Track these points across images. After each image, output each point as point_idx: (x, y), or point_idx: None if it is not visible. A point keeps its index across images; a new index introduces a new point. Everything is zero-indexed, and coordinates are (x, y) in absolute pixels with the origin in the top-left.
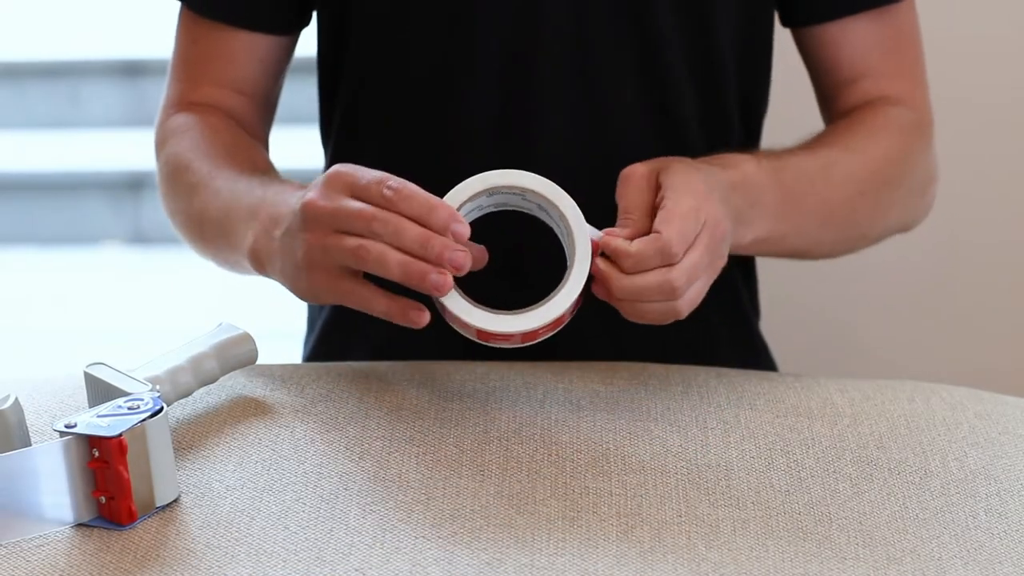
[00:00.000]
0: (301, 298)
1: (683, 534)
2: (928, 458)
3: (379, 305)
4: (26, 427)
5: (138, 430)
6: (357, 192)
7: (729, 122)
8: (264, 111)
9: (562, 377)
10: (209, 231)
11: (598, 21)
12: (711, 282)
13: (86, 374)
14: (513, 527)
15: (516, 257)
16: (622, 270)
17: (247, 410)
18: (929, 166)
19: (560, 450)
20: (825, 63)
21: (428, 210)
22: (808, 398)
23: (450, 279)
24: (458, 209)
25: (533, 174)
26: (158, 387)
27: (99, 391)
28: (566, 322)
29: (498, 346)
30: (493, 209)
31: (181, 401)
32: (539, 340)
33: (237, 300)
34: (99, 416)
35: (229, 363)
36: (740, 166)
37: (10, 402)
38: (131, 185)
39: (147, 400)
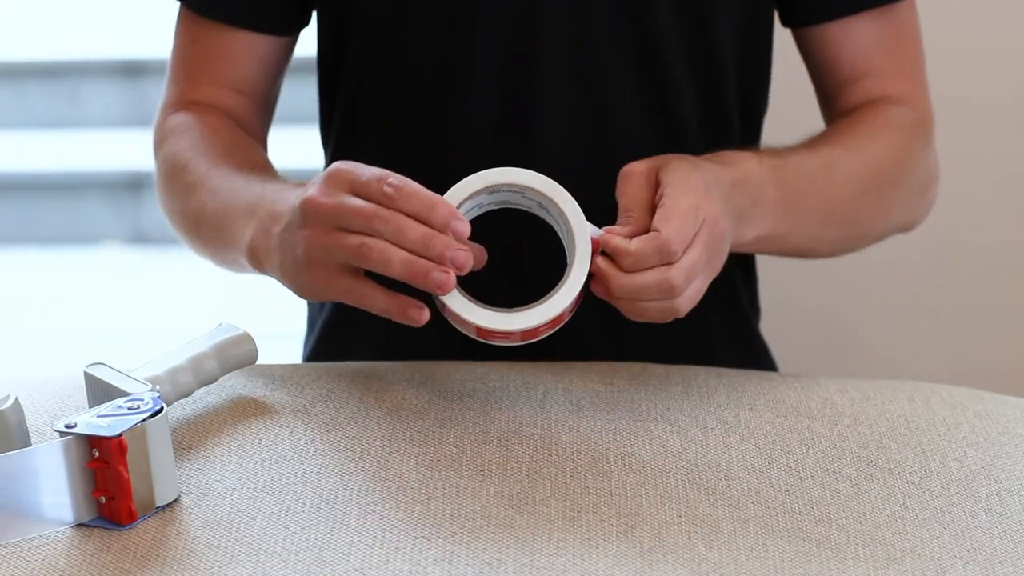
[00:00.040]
0: (300, 295)
1: (683, 534)
2: (928, 458)
3: (379, 302)
4: (26, 427)
5: (138, 430)
6: (357, 189)
7: (729, 122)
8: (263, 111)
9: (562, 377)
10: (207, 229)
11: (598, 21)
12: (711, 280)
13: (86, 374)
14: (513, 527)
15: (516, 255)
16: (621, 268)
17: (247, 410)
18: (930, 165)
19: (560, 450)
20: (826, 63)
21: (429, 208)
22: (808, 398)
23: (453, 277)
24: (458, 207)
25: (533, 172)
26: (158, 387)
27: (99, 391)
28: (566, 320)
29: (498, 344)
30: (493, 207)
31: (181, 401)
32: (539, 338)
33: (237, 300)
34: (99, 416)
35: (229, 363)
36: (741, 163)
37: (10, 402)
38: (131, 185)
39: (147, 400)
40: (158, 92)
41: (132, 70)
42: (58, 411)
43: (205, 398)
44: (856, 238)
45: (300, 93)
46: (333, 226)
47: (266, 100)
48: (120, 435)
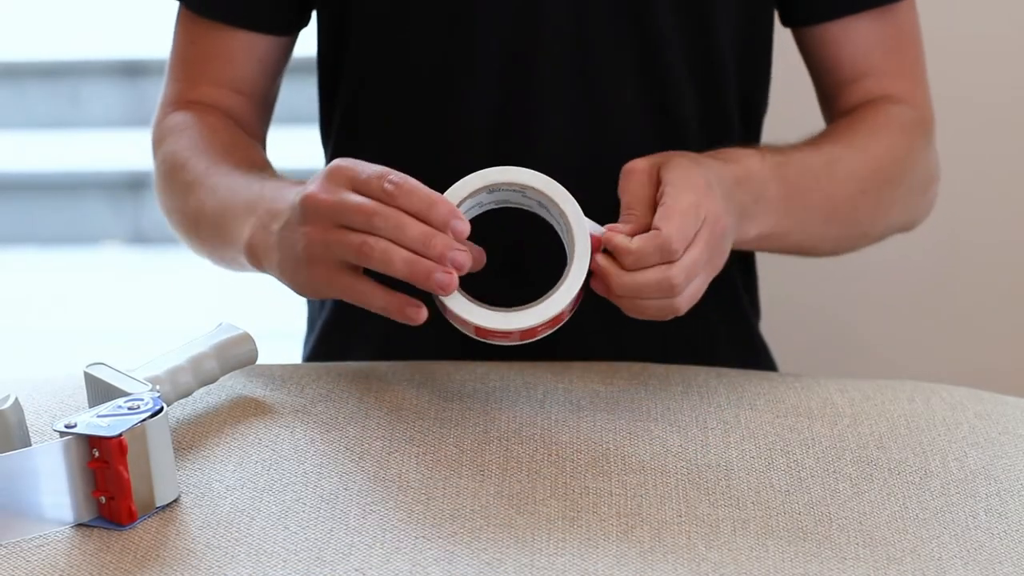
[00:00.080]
0: (298, 293)
1: (683, 534)
2: (928, 458)
3: (377, 300)
4: (26, 427)
5: (138, 430)
6: (358, 186)
7: (729, 122)
8: (262, 110)
9: (562, 377)
10: (205, 228)
11: (598, 21)
12: (711, 278)
13: (86, 374)
14: (513, 527)
15: (516, 254)
16: (622, 267)
17: (247, 410)
18: (930, 164)
19: (560, 450)
20: (826, 62)
21: (429, 206)
22: (808, 398)
23: (455, 278)
24: (458, 206)
25: (533, 171)
26: (158, 387)
27: (99, 391)
28: (566, 319)
29: (497, 343)
30: (493, 206)
31: (181, 401)
32: (539, 337)
33: (237, 300)
34: (99, 416)
35: (229, 363)
36: (744, 160)
37: (10, 402)
38: (131, 185)
39: (147, 400)
40: (158, 92)
41: (132, 70)
42: (58, 411)
43: (205, 398)
44: (857, 237)
45: (300, 93)
46: (333, 223)
47: (265, 100)
48: (120, 435)
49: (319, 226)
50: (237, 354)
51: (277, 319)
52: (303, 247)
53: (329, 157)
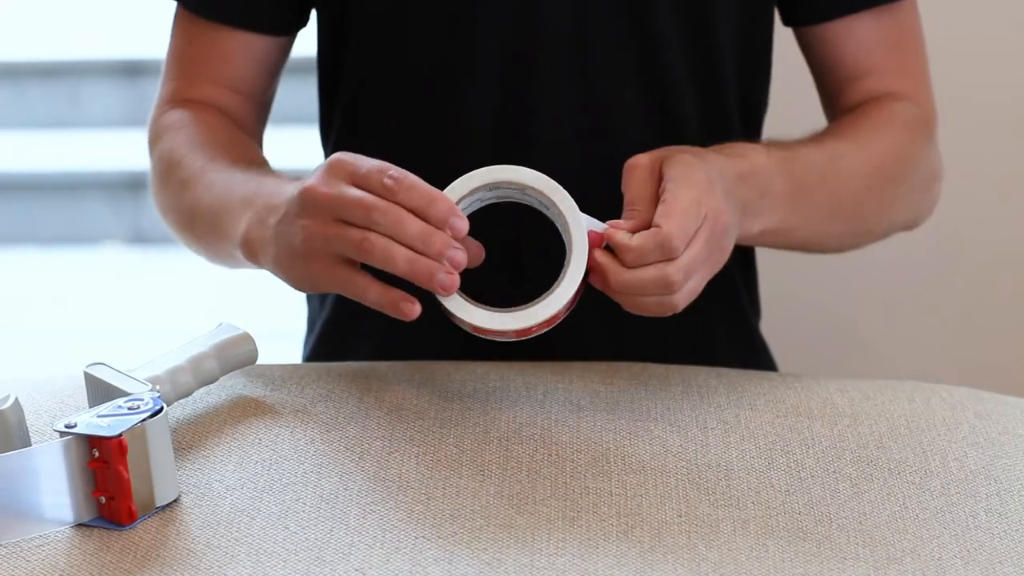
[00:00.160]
0: (294, 286)
1: (683, 534)
2: (928, 458)
3: (372, 295)
4: (26, 427)
5: (138, 430)
6: (358, 180)
7: (729, 122)
8: (259, 110)
9: (562, 377)
10: (201, 224)
11: (598, 21)
12: (711, 275)
13: (86, 374)
14: (513, 527)
15: (514, 250)
16: (623, 263)
17: (247, 410)
18: (933, 162)
19: (560, 450)
20: (828, 61)
21: (428, 202)
22: (808, 398)
23: (457, 278)
24: (457, 203)
25: (532, 170)
26: (158, 387)
27: (99, 391)
28: (562, 318)
29: (494, 339)
30: (494, 201)
31: (181, 401)
32: (535, 335)
33: (237, 300)
34: (99, 416)
35: (229, 363)
36: (749, 156)
37: (10, 402)
38: (131, 185)
39: (147, 400)
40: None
41: (132, 70)
42: (58, 411)
43: (205, 398)
44: (861, 234)
45: (300, 93)
46: (332, 217)
47: (263, 99)
48: (120, 435)
49: (318, 219)
50: (237, 354)
51: (277, 319)
52: (301, 240)
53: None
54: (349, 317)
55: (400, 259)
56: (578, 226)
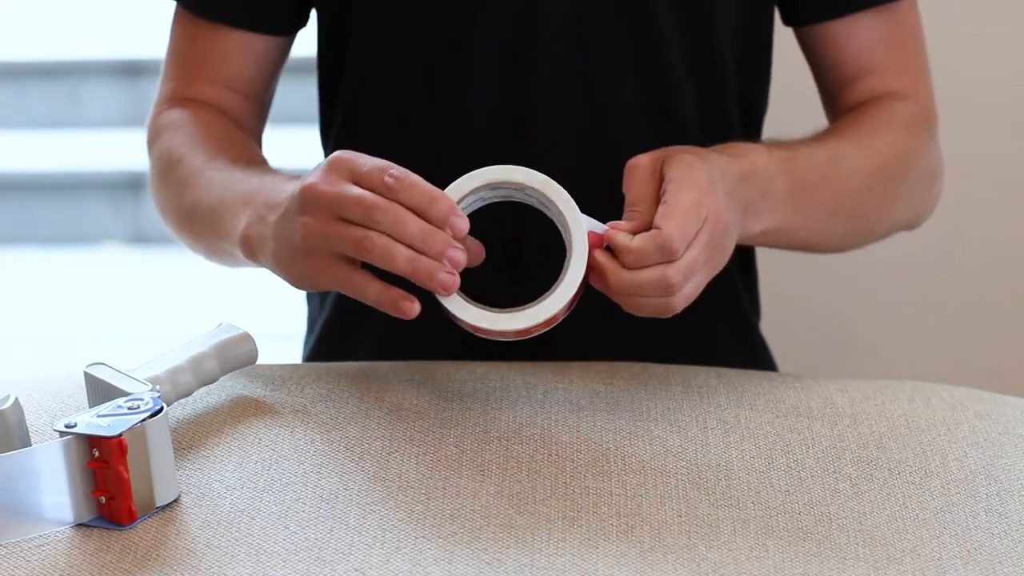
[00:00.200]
0: (293, 284)
1: (683, 534)
2: (928, 458)
3: (372, 293)
4: (26, 427)
5: (138, 430)
6: (358, 178)
7: (729, 122)
8: (258, 109)
9: (562, 377)
10: (200, 223)
11: (598, 21)
12: (711, 276)
13: (86, 374)
14: (513, 527)
15: (515, 250)
16: (623, 265)
17: (247, 410)
18: (934, 161)
19: (560, 450)
20: (828, 60)
21: (429, 201)
22: (808, 398)
23: (457, 278)
24: (458, 202)
25: (532, 171)
26: (158, 387)
27: (99, 391)
28: (561, 319)
29: (494, 339)
30: (495, 200)
31: (181, 401)
32: (534, 335)
33: (237, 300)
34: (99, 416)
35: (229, 363)
36: (751, 155)
37: (10, 402)
38: (131, 185)
39: (147, 400)
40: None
41: (132, 70)
42: (58, 411)
43: (205, 398)
44: (862, 233)
45: (300, 93)
46: (333, 215)
47: (262, 99)
48: (120, 435)
49: (318, 217)
50: (237, 354)
51: (277, 319)
52: (301, 237)
53: None
54: (349, 317)
55: (400, 258)
56: (578, 227)
